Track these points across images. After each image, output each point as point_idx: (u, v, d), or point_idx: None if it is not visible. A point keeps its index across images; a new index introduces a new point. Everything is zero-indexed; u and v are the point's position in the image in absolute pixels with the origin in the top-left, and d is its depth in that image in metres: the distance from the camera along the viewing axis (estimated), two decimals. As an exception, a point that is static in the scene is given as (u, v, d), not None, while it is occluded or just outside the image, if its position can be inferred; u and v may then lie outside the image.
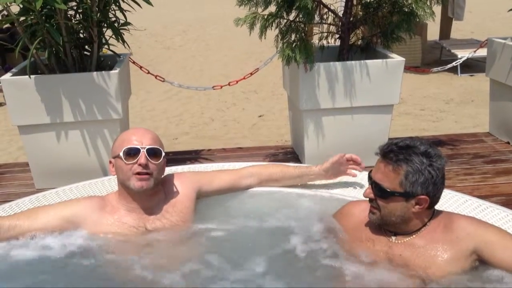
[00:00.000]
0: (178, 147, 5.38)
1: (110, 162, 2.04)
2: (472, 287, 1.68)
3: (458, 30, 11.20)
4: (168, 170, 2.20)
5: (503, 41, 4.01)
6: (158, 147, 1.99)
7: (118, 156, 1.97)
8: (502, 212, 2.05)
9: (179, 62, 10.16)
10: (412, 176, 1.69)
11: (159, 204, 2.06)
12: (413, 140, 1.76)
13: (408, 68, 4.49)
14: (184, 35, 13.12)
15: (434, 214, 1.83)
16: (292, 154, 4.11)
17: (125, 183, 1.97)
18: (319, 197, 2.30)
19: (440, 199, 2.16)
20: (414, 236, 1.79)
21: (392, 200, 1.73)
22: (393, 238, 1.81)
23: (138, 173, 1.94)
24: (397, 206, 1.74)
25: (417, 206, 1.74)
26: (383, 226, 1.83)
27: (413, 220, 1.77)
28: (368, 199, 1.82)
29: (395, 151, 1.72)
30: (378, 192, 1.75)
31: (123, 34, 3.55)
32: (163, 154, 2.00)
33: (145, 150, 1.94)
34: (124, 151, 1.94)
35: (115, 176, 2.03)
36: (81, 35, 3.57)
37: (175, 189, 2.12)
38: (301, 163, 3.79)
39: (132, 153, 1.94)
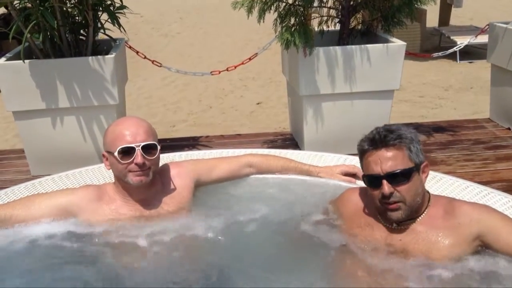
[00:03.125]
0: (176, 134, 5.34)
1: (104, 155, 1.99)
2: (474, 272, 1.67)
3: (457, 17, 11.13)
4: (166, 157, 2.16)
5: (505, 25, 3.97)
6: (153, 142, 1.93)
7: (111, 154, 1.92)
8: (503, 198, 2.04)
9: (177, 49, 10.08)
10: (413, 146, 1.72)
11: (156, 194, 2.03)
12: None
13: (408, 54, 4.44)
14: (181, 22, 13.00)
15: (431, 198, 1.81)
16: (291, 141, 4.08)
17: (122, 179, 1.94)
18: (318, 183, 2.27)
19: (441, 185, 2.16)
20: (414, 221, 1.77)
21: (412, 179, 1.71)
22: (394, 225, 1.78)
23: (136, 171, 1.90)
24: (417, 184, 1.73)
25: (423, 175, 1.76)
26: (408, 217, 1.74)
27: (424, 194, 1.78)
28: (381, 197, 1.72)
29: (388, 135, 1.72)
30: (400, 178, 1.69)
31: (119, 18, 3.49)
32: (159, 148, 1.96)
33: (140, 148, 1.89)
34: (118, 151, 1.88)
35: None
36: (77, 19, 3.51)
37: (172, 179, 2.08)
38: (300, 149, 3.76)
39: (127, 152, 1.89)
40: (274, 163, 2.30)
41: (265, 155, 2.38)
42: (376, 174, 1.71)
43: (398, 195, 1.69)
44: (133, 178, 1.91)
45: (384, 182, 1.69)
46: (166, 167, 2.11)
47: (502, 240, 1.67)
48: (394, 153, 1.70)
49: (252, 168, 2.27)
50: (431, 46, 8.93)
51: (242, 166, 2.26)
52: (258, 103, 6.62)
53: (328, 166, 2.30)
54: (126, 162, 1.89)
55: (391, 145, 1.71)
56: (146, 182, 1.94)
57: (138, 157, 1.88)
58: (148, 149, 1.91)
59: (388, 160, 1.69)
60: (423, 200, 1.77)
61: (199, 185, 2.17)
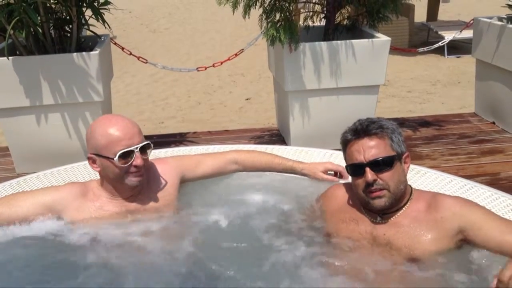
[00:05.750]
0: (165, 131, 5.33)
1: (91, 158, 1.93)
2: (456, 267, 1.68)
3: (445, 12, 11.20)
4: (152, 153, 2.15)
5: (489, 20, 4.00)
6: (148, 142, 1.94)
7: (107, 158, 1.88)
8: (487, 192, 2.05)
9: (165, 45, 10.04)
10: (394, 136, 1.76)
11: (141, 191, 2.02)
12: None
13: (395, 49, 4.46)
14: (170, 18, 12.95)
15: (415, 192, 1.83)
16: (278, 136, 4.08)
17: (118, 181, 1.93)
18: (304, 180, 2.27)
19: (426, 179, 2.17)
20: (397, 215, 1.78)
21: (394, 167, 1.74)
22: (378, 218, 1.79)
23: (134, 172, 1.90)
24: (399, 171, 1.76)
25: (405, 165, 1.80)
26: (391, 206, 1.76)
27: (406, 186, 1.80)
28: (364, 185, 1.73)
29: (370, 124, 1.76)
30: (382, 166, 1.72)
31: (104, 14, 3.47)
32: (151, 146, 1.96)
33: (138, 150, 1.88)
34: (119, 156, 1.85)
35: None
36: (60, 15, 3.48)
37: (157, 176, 2.08)
38: (286, 145, 3.76)
39: (126, 155, 1.87)
40: (259, 159, 2.30)
41: (250, 151, 2.37)
42: (359, 162, 1.73)
43: (381, 182, 1.72)
44: (132, 179, 1.90)
45: (367, 169, 1.71)
46: (151, 164, 2.10)
47: (483, 234, 1.68)
48: (377, 142, 1.73)
49: (237, 164, 2.27)
50: (419, 41, 8.98)
51: (227, 163, 2.25)
52: (247, 99, 6.61)
53: (313, 163, 2.29)
54: (125, 165, 1.87)
55: (373, 134, 1.74)
56: (143, 182, 1.94)
57: (138, 159, 1.88)
58: (143, 149, 1.92)
59: (370, 148, 1.73)
60: (405, 191, 1.79)
61: (184, 181, 2.16)
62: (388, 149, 1.74)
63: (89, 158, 1.95)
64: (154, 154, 2.27)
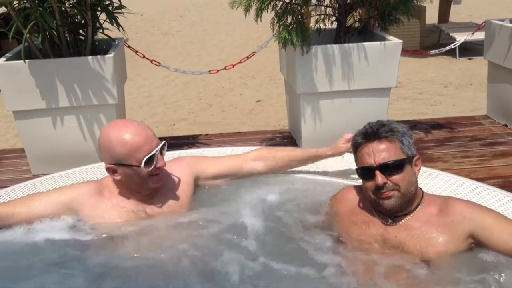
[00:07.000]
0: (176, 133, 5.36)
1: (111, 168, 1.91)
2: (467, 270, 1.68)
3: (456, 14, 11.12)
4: (169, 155, 2.18)
5: (500, 22, 3.98)
6: (164, 142, 1.96)
7: (130, 166, 1.88)
8: (499, 194, 2.05)
9: (176, 48, 10.08)
10: (405, 139, 1.77)
11: (157, 189, 2.03)
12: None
13: (406, 51, 4.46)
14: (181, 20, 13.00)
15: (427, 196, 1.83)
16: (289, 138, 4.09)
17: (141, 185, 1.94)
18: (315, 182, 2.29)
19: (438, 182, 2.17)
20: (408, 218, 1.79)
21: (405, 170, 1.74)
22: (389, 220, 1.80)
23: (157, 174, 1.92)
24: (410, 174, 1.76)
25: (416, 168, 1.80)
26: (401, 207, 1.77)
27: (417, 189, 1.81)
28: (375, 188, 1.75)
29: (380, 128, 1.76)
30: (392, 169, 1.72)
31: (118, 18, 3.51)
32: (166, 145, 1.98)
33: (158, 152, 1.90)
34: (144, 162, 1.86)
35: None
36: (75, 19, 3.53)
37: (173, 174, 2.09)
38: (298, 146, 3.77)
39: (149, 160, 1.88)
40: (280, 152, 2.27)
41: (269, 148, 2.37)
42: (369, 165, 1.74)
43: (391, 184, 1.73)
44: (155, 181, 1.94)
45: (377, 173, 1.72)
46: (168, 162, 2.11)
47: (494, 239, 1.69)
48: (387, 145, 1.74)
49: (257, 161, 2.23)
50: (431, 43, 8.93)
51: (246, 161, 2.23)
52: (257, 101, 6.63)
53: (333, 143, 2.25)
54: (149, 169, 1.89)
55: (383, 137, 1.75)
56: (163, 181, 1.98)
57: (161, 161, 1.90)
58: (161, 149, 1.94)
59: (381, 152, 1.73)
60: (416, 194, 1.80)
61: (200, 180, 2.16)
62: (399, 152, 1.74)
63: (108, 169, 1.93)
64: (168, 156, 2.29)
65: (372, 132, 1.77)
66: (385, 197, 1.74)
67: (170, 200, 2.04)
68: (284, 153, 2.27)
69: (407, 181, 1.74)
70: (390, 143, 1.75)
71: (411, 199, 1.78)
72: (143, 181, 1.92)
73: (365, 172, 1.77)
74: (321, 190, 2.20)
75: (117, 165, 1.91)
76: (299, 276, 1.74)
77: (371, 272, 1.73)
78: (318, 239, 1.89)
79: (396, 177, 1.73)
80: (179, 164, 2.14)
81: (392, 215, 1.80)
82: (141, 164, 1.86)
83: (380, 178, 1.72)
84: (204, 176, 2.17)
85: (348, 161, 2.37)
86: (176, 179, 2.09)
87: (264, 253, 1.85)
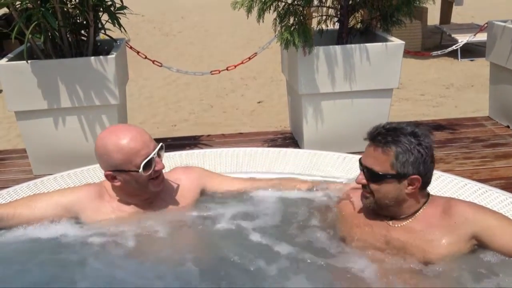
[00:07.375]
0: (177, 133, 5.36)
1: (110, 175, 1.90)
2: (470, 271, 1.68)
3: (458, 15, 11.11)
4: (167, 156, 2.16)
5: (503, 24, 3.98)
6: (161, 144, 1.94)
7: (128, 172, 1.87)
8: (501, 196, 2.05)
9: (178, 48, 10.09)
10: (402, 156, 1.70)
11: (159, 192, 2.02)
12: (400, 123, 1.77)
13: (408, 52, 4.45)
14: (182, 22, 13.01)
15: (430, 198, 1.83)
16: (291, 139, 4.09)
17: (141, 190, 1.93)
18: (317, 183, 2.28)
19: (440, 183, 2.17)
20: (411, 219, 1.79)
21: (385, 183, 1.73)
22: (390, 222, 1.81)
23: (156, 177, 1.91)
24: (390, 189, 1.74)
25: (410, 187, 1.74)
26: (377, 211, 1.82)
27: (407, 201, 1.77)
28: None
29: (383, 134, 1.73)
30: (370, 176, 1.75)
31: (120, 18, 3.51)
32: (164, 146, 1.97)
33: (156, 155, 1.89)
34: (143, 166, 1.85)
35: None
36: (77, 20, 3.53)
37: (179, 181, 2.09)
38: (299, 148, 3.77)
39: (148, 164, 1.87)
40: (290, 184, 2.20)
41: (281, 179, 2.27)
42: (360, 162, 1.81)
43: (370, 188, 1.77)
44: (155, 185, 1.92)
45: (361, 172, 1.79)
46: (176, 169, 2.12)
47: (497, 240, 1.69)
48: (378, 154, 1.73)
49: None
50: (433, 44, 8.92)
51: (253, 189, 2.18)
52: (259, 102, 6.63)
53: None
54: (148, 173, 1.87)
55: (379, 146, 1.74)
56: (164, 186, 1.97)
57: (159, 163, 1.89)
58: (159, 152, 1.93)
59: (370, 157, 1.76)
60: (401, 204, 1.77)
61: (206, 193, 2.14)
62: (386, 166, 1.71)
63: (107, 176, 1.92)
64: (169, 157, 2.30)
65: (371, 136, 1.77)
66: (362, 195, 1.82)
67: (170, 205, 2.03)
68: (290, 185, 2.20)
69: (382, 194, 1.75)
70: (382, 154, 1.72)
71: (399, 206, 1.78)
72: (143, 186, 1.91)
73: (359, 165, 1.83)
74: (324, 192, 2.19)
75: (116, 172, 1.89)
76: (301, 277, 1.73)
77: (374, 274, 1.72)
78: (321, 241, 1.88)
79: (372, 185, 1.76)
80: (188, 173, 2.13)
81: (388, 218, 1.81)
82: (139, 169, 1.85)
83: (360, 177, 1.79)
84: (211, 191, 2.16)
85: (350, 162, 2.37)
86: (179, 185, 2.08)
87: (265, 254, 1.85)
